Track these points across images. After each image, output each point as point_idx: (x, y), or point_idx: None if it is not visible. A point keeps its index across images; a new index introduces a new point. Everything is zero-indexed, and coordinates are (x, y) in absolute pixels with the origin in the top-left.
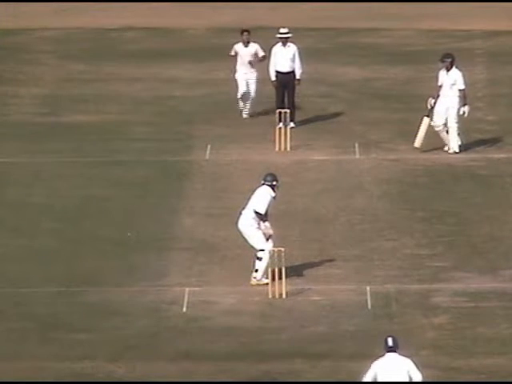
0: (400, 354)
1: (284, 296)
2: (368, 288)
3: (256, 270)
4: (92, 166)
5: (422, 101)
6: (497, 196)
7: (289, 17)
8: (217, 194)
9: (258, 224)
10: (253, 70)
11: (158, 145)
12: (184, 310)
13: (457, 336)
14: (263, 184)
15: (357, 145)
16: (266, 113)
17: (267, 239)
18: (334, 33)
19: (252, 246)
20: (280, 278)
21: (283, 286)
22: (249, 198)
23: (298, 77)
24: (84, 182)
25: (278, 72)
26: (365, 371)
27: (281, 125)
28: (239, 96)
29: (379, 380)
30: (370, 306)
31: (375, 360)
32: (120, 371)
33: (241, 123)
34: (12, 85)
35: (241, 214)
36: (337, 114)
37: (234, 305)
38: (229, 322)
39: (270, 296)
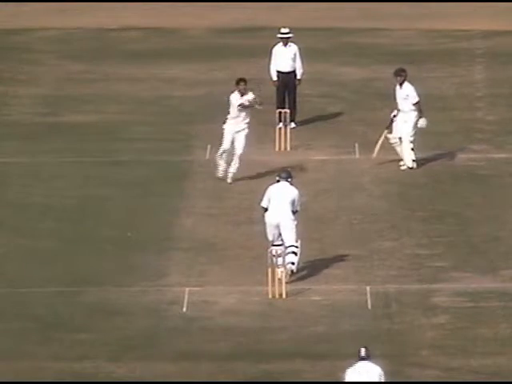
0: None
1: (284, 296)
2: (368, 288)
3: (292, 263)
4: (92, 166)
5: (421, 101)
6: (497, 196)
7: (289, 17)
8: (217, 194)
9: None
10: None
11: (158, 145)
12: (184, 310)
13: (457, 336)
14: (285, 181)
15: (357, 145)
16: (266, 113)
17: None
18: (334, 33)
19: (284, 239)
20: (280, 278)
21: (283, 286)
22: (278, 194)
23: (298, 77)
24: (84, 181)
25: (278, 72)
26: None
27: (281, 125)
28: (219, 153)
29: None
30: (370, 306)
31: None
32: (120, 371)
33: None
34: (12, 85)
35: (272, 210)
36: (337, 114)
37: (234, 305)
38: (229, 322)
39: (270, 296)
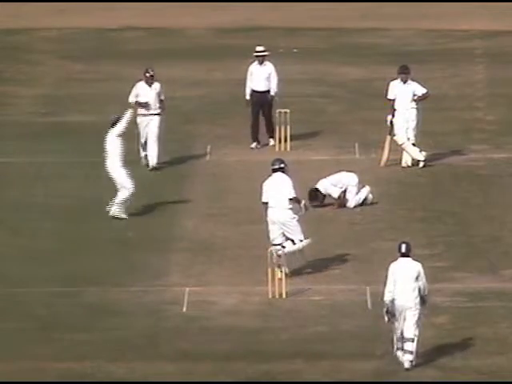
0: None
1: (284, 296)
2: (368, 288)
3: (284, 247)
4: (92, 166)
5: (421, 101)
6: (497, 196)
7: (289, 17)
8: (217, 195)
9: (297, 215)
10: None
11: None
12: (184, 309)
13: (457, 336)
14: (277, 171)
15: (357, 145)
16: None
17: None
18: (334, 33)
19: (289, 237)
20: (280, 278)
21: (283, 286)
22: (273, 191)
23: (272, 93)
24: (84, 182)
25: (253, 91)
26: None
27: (254, 145)
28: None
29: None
30: (370, 306)
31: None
32: (120, 371)
33: (241, 123)
34: (12, 85)
35: (271, 207)
36: (337, 114)
37: (234, 305)
38: (229, 322)
39: (270, 296)
